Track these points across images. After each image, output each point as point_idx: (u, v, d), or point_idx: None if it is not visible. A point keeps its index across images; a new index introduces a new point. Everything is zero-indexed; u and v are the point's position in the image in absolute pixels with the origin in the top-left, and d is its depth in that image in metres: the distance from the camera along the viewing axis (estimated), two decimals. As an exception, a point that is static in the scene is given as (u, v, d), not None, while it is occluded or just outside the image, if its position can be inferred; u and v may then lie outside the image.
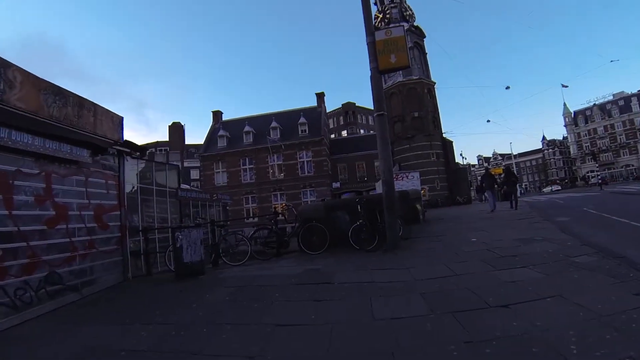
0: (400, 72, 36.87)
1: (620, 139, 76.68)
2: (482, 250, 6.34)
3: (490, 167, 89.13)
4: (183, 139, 64.27)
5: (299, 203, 37.74)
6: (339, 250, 7.86)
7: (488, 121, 52.38)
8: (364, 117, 71.10)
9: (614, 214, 9.45)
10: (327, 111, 74.61)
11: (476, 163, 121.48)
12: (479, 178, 32.20)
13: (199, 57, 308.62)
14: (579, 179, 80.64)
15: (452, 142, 37.98)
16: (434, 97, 37.82)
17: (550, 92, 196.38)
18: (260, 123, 41.11)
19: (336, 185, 38.27)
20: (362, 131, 63.80)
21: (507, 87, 36.03)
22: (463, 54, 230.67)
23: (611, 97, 79.99)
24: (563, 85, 57.82)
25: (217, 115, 44.94)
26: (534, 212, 11.91)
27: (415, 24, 39.27)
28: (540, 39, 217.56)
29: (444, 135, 37.31)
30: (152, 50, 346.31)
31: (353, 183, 39.42)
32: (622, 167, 72.66)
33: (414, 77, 36.46)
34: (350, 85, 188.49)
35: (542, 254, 5.49)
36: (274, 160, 39.83)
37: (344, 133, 65.80)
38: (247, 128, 41.10)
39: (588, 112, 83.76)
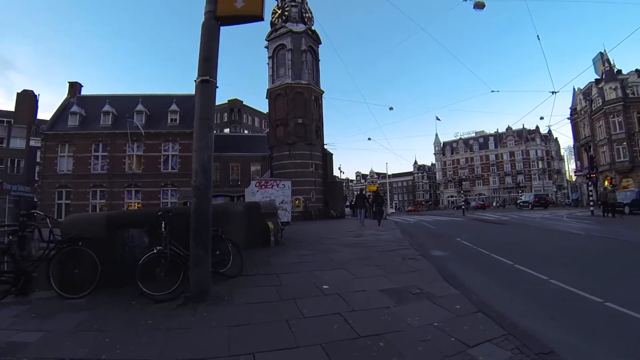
0: (289, 74, 35.01)
1: (477, 170, 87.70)
2: (333, 315, 3.85)
3: (367, 183, 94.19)
4: (34, 111, 52.44)
5: (157, 204, 32.77)
6: (115, 294, 4.74)
7: (369, 139, 54.05)
8: (250, 118, 67.85)
9: (492, 250, 8.16)
10: (211, 105, 70.13)
11: (354, 179, 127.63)
12: (356, 195, 31.73)
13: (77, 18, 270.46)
14: (441, 202, 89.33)
15: (332, 154, 37.14)
16: (320, 106, 36.57)
17: (427, 119, 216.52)
18: (123, 103, 34.92)
19: (205, 186, 34.14)
20: (246, 132, 60.38)
21: (391, 108, 36.03)
22: (357, 67, 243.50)
23: (474, 134, 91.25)
24: (437, 118, 63.50)
25: (74, 87, 37.25)
26: (406, 240, 10.23)
27: (312, 28, 37.79)
28: (428, 65, 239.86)
29: (325, 146, 36.16)
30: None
31: (225, 186, 35.79)
32: (476, 195, 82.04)
33: (303, 82, 34.74)
34: (241, 81, 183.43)
35: (424, 334, 3.23)
36: (133, 150, 34.03)
37: (227, 131, 61.56)
38: (106, 107, 34.53)
39: (454, 144, 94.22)
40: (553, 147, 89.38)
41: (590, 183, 46.00)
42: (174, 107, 35.25)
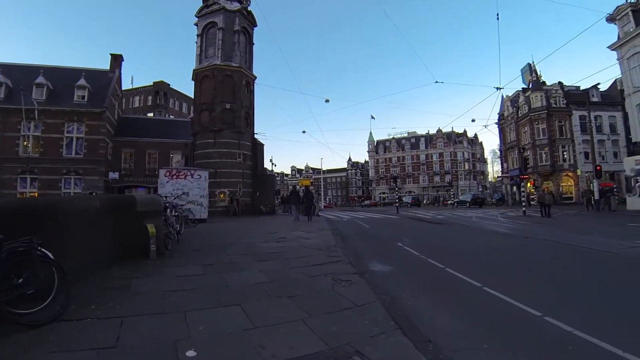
0: (219, 54, 31.68)
1: (408, 169, 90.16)
2: None
3: (302, 178, 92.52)
4: None
5: (58, 194, 27.85)
6: None
7: (303, 132, 52.36)
8: (177, 102, 62.64)
9: (446, 262, 6.34)
10: (134, 86, 63.68)
11: (289, 173, 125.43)
12: (290, 190, 29.52)
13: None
14: (373, 198, 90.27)
15: (263, 145, 34.24)
16: (251, 92, 33.53)
17: (364, 113, 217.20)
18: (21, 74, 29.17)
19: (114, 176, 29.73)
20: (172, 117, 55.33)
21: (327, 100, 33.73)
22: (295, 55, 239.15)
23: (406, 134, 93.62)
24: (372, 117, 63.33)
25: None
26: (339, 247, 8.07)
27: (248, 8, 34.61)
28: (373, 54, 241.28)
29: (255, 135, 33.26)
30: None
31: (140, 176, 31.63)
32: (406, 192, 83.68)
33: (234, 64, 31.48)
34: (170, 63, 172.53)
35: None
36: (29, 130, 28.61)
37: (150, 115, 55.99)
38: (-1, 77, 28.65)
39: (387, 143, 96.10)
40: (478, 150, 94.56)
41: (514, 184, 48.78)
42: (82, 82, 30.25)
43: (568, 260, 6.98)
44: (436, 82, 20.28)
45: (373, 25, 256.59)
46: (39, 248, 3.53)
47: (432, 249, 8.33)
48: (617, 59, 28.62)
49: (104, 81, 32.29)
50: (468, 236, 11.67)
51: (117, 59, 34.88)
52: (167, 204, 8.83)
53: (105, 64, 34.74)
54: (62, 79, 30.22)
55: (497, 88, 18.51)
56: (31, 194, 28.32)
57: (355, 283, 4.82)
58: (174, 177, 16.93)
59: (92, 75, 31.63)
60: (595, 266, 6.34)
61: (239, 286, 4.67)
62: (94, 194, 27.22)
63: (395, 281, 5.29)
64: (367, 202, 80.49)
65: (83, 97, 30.17)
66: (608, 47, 29.26)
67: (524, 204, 22.60)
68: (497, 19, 15.61)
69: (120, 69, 35.32)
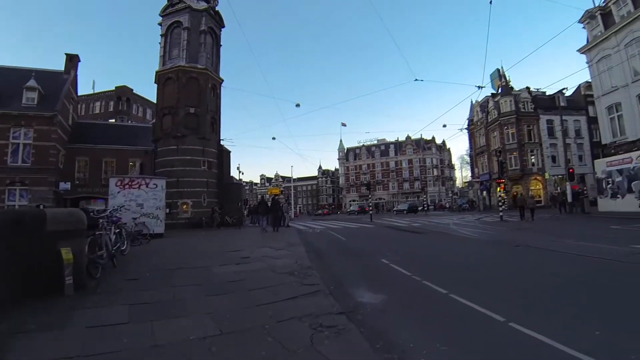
0: (184, 55, 29.85)
1: (377, 176, 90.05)
2: None
3: (272, 187, 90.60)
4: None
5: (0, 207, 25.05)
6: None
7: (273, 138, 50.68)
8: (140, 109, 59.63)
9: (447, 285, 5.06)
10: (95, 91, 60.35)
11: (259, 182, 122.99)
12: (257, 200, 27.90)
13: None
14: (343, 206, 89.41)
15: (229, 151, 32.46)
16: (217, 96, 31.75)
17: (335, 117, 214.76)
18: (-41, 74, 26.48)
19: (65, 186, 27.11)
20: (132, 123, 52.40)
21: (297, 105, 32.46)
22: (265, 57, 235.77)
23: (376, 142, 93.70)
24: (342, 124, 62.55)
25: None
26: (314, 269, 6.65)
27: (216, 9, 32.96)
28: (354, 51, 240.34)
29: (221, 142, 31.44)
30: None
31: (95, 186, 29.06)
32: (376, 200, 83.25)
33: (199, 66, 29.67)
34: (134, 67, 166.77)
35: None
36: (-32, 135, 25.78)
37: (112, 122, 52.88)
38: None
39: (357, 151, 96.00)
40: (446, 156, 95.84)
41: (484, 189, 48.98)
42: (32, 83, 27.49)
43: (584, 274, 5.87)
44: (416, 79, 19.31)
45: (350, 23, 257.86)
46: None
47: (423, 266, 7.09)
48: (587, 62, 28.82)
49: (57, 83, 29.63)
50: (455, 247, 10.51)
51: (72, 60, 32.21)
52: (102, 219, 7.16)
53: (61, 67, 31.88)
54: (9, 79, 27.41)
55: (479, 87, 17.71)
56: (-30, 208, 25.39)
57: (344, 331, 3.42)
58: (127, 186, 15.05)
59: (44, 76, 28.92)
60: (619, 280, 5.22)
61: (172, 346, 3.17)
62: (41, 206, 24.76)
63: (396, 323, 3.92)
64: (351, 208, 78.30)
65: (33, 99, 27.42)
66: (577, 51, 29.45)
67: (501, 208, 21.94)
68: (490, 2, 14.42)
69: (76, 71, 32.68)
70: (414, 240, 13.06)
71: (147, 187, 15.21)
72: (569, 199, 25.04)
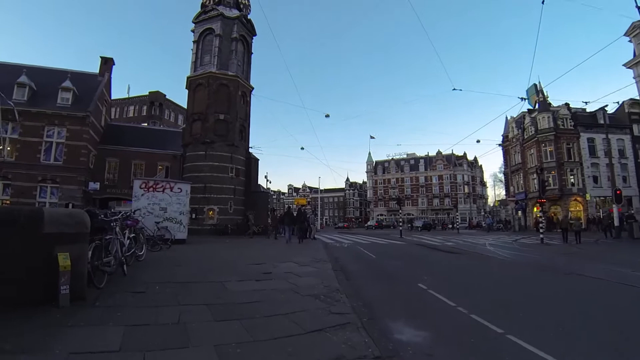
0: (215, 62, 29.98)
1: (406, 190, 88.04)
2: None
3: (298, 196, 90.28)
4: None
5: (31, 203, 25.53)
6: None
7: (302, 148, 50.41)
8: (172, 114, 60.79)
9: (499, 320, 4.20)
10: (130, 96, 61.99)
11: (286, 192, 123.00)
12: (284, 210, 27.43)
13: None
14: (370, 220, 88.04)
15: (258, 160, 32.13)
16: (247, 104, 31.63)
17: (365, 132, 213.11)
18: (3, 74, 27.31)
19: (94, 186, 27.37)
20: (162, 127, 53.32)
21: (327, 115, 31.87)
22: (296, 66, 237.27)
23: (405, 155, 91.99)
24: (371, 137, 61.88)
25: None
26: (342, 292, 5.85)
27: (248, 17, 33.13)
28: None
29: (250, 149, 31.17)
30: None
31: (124, 187, 29.23)
32: (405, 215, 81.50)
33: (230, 73, 29.72)
34: (168, 73, 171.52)
35: None
36: (6, 132, 26.40)
37: (145, 126, 54.05)
38: (-24, 76, 26.62)
39: (386, 164, 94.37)
40: (478, 173, 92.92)
41: (519, 209, 46.73)
42: (67, 83, 28.16)
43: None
44: (454, 89, 18.25)
45: (387, 29, 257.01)
46: None
47: (467, 295, 6.16)
48: (634, 77, 27.07)
49: (91, 85, 30.28)
50: (498, 272, 9.43)
51: (107, 62, 32.98)
52: (115, 221, 6.60)
53: (96, 69, 32.63)
54: (46, 80, 28.22)
55: (522, 98, 16.53)
56: (4, 202, 25.99)
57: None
58: (151, 189, 14.71)
59: (79, 77, 29.66)
60: None
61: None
62: (70, 205, 24.99)
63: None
64: (369, 223, 77.27)
65: (67, 99, 28.06)
66: (624, 65, 27.75)
67: (542, 230, 20.40)
68: (542, 2, 13.24)
69: (110, 73, 33.40)
70: (451, 261, 11.99)
71: (171, 191, 14.83)
72: (616, 222, 23.15)
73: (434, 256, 13.65)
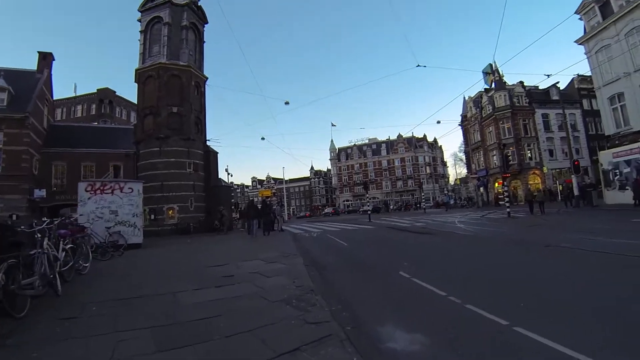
0: (164, 52, 28.15)
1: (370, 175, 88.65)
2: None
3: (262, 188, 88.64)
4: None
5: (-32, 215, 23.08)
6: None
7: (262, 138, 48.61)
8: (124, 111, 57.41)
9: (500, 309, 3.50)
10: (77, 94, 57.96)
11: (250, 184, 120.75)
12: (247, 203, 26.52)
13: None
14: (337, 206, 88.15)
15: (217, 152, 30.69)
16: (202, 95, 30.04)
17: (324, 123, 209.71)
18: None
19: (40, 193, 25.18)
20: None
21: (286, 102, 30.96)
22: (252, 52, 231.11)
23: (367, 141, 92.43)
24: (332, 124, 61.19)
25: None
26: (318, 291, 5.12)
27: (198, 3, 31.29)
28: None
29: (207, 142, 29.72)
30: None
31: (74, 192, 26.55)
32: (370, 198, 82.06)
33: (181, 63, 28.03)
34: (117, 67, 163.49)
35: None
36: None
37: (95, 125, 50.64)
38: None
39: (349, 150, 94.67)
40: (438, 153, 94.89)
41: (480, 185, 47.82)
42: (1, 82, 25.57)
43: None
44: (418, 65, 17.70)
45: (344, 7, 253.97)
46: None
47: (454, 280, 5.58)
48: (585, 53, 27.76)
49: (29, 83, 27.67)
50: (478, 251, 8.97)
51: (46, 58, 30.26)
52: (41, 232, 5.48)
53: (33, 66, 29.81)
54: (-26, 81, 25.52)
55: (486, 73, 16.28)
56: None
57: None
58: (99, 191, 13.33)
59: (14, 75, 27.01)
60: None
61: None
62: (14, 217, 22.74)
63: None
64: (327, 210, 77.64)
65: (2, 100, 25.53)
66: (575, 42, 28.39)
67: (507, 204, 20.58)
68: None
69: (50, 70, 30.73)
70: (425, 243, 11.54)
71: (121, 191, 13.49)
72: (575, 192, 23.81)
73: (406, 239, 13.20)
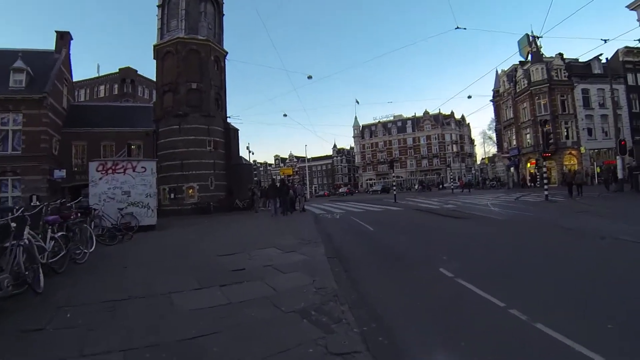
0: (182, 26, 27.20)
1: (395, 153, 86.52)
2: None
3: (284, 167, 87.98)
4: None
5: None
6: None
7: (285, 115, 47.61)
8: (146, 90, 57.18)
9: (602, 348, 2.37)
10: (100, 75, 58.14)
11: (273, 163, 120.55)
12: (269, 183, 25.82)
13: None
14: (360, 186, 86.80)
15: (237, 130, 29.84)
16: (222, 70, 29.06)
17: (348, 97, 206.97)
18: (-60, 56, 24.38)
19: (60, 174, 24.96)
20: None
21: (309, 77, 29.74)
22: (274, 25, 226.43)
23: (392, 117, 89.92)
24: (356, 101, 59.29)
25: None
26: (343, 295, 4.19)
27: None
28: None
29: (228, 119, 28.90)
30: None
31: (94, 171, 26.89)
32: (394, 177, 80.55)
33: (200, 37, 27.04)
34: (140, 47, 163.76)
35: None
36: (-46, 123, 23.83)
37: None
38: None
39: (373, 128, 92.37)
40: (466, 131, 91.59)
41: (511, 165, 45.49)
42: (19, 63, 25.17)
43: None
44: (457, 27, 16.11)
45: None
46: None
47: (511, 284, 4.52)
48: (638, 20, 25.20)
49: (47, 63, 27.23)
50: (529, 244, 7.73)
51: (64, 37, 29.68)
52: (17, 219, 4.67)
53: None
54: (-5, 60, 25.22)
55: (532, 36, 14.58)
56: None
57: None
58: (110, 171, 12.67)
59: (32, 56, 26.55)
60: None
61: None
62: (34, 197, 22.64)
63: None
64: (341, 189, 74.50)
65: (20, 82, 25.09)
66: (627, 7, 25.83)
67: (546, 186, 19.01)
68: None
69: (68, 49, 30.20)
70: (461, 229, 10.37)
71: (134, 171, 12.80)
72: (620, 174, 21.88)
73: (439, 224, 12.02)
